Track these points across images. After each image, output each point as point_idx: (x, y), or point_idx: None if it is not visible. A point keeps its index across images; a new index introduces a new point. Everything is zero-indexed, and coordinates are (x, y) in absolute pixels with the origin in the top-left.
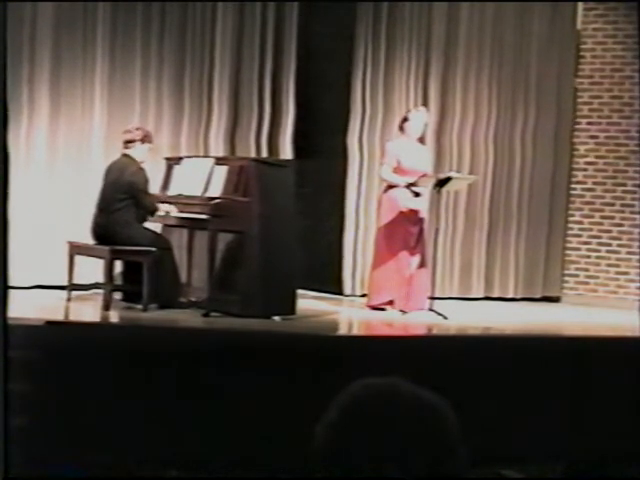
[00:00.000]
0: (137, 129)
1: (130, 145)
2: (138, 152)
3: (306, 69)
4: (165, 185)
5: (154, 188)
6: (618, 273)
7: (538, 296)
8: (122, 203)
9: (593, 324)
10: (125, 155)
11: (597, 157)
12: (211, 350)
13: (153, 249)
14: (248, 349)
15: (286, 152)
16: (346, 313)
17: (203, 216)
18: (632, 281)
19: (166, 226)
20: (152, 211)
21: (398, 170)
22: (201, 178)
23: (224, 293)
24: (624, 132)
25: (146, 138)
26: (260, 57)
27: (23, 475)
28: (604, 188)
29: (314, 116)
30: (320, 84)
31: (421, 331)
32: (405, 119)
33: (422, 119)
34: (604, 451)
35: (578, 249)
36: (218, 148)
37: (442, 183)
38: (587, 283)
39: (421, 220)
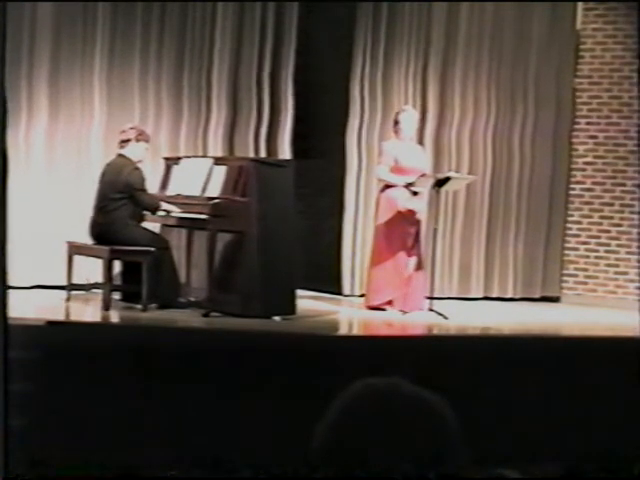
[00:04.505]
0: (131, 128)
1: (125, 145)
2: (133, 151)
3: (305, 69)
4: (164, 185)
5: (153, 188)
6: (617, 273)
7: (537, 296)
8: (119, 203)
9: (592, 324)
10: (120, 155)
11: (596, 157)
12: (211, 350)
13: (152, 249)
14: (248, 349)
15: (285, 152)
16: (346, 313)
17: (202, 216)
18: (631, 281)
19: (165, 226)
20: (153, 209)
21: (396, 169)
22: (200, 178)
23: (224, 293)
24: (623, 132)
25: (140, 137)
26: (259, 57)
27: (23, 475)
28: (603, 188)
29: (313, 116)
30: (319, 84)
31: (421, 331)
32: (396, 122)
33: (412, 118)
34: (604, 451)
35: (577, 249)
36: (217, 148)
37: (441, 183)
38: (586, 283)
39: (418, 221)
